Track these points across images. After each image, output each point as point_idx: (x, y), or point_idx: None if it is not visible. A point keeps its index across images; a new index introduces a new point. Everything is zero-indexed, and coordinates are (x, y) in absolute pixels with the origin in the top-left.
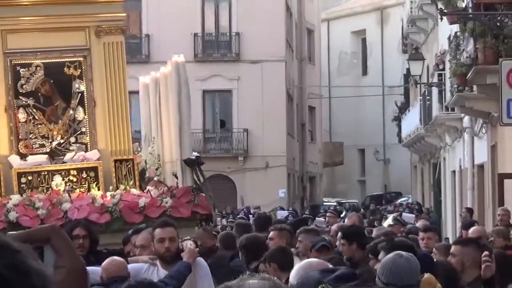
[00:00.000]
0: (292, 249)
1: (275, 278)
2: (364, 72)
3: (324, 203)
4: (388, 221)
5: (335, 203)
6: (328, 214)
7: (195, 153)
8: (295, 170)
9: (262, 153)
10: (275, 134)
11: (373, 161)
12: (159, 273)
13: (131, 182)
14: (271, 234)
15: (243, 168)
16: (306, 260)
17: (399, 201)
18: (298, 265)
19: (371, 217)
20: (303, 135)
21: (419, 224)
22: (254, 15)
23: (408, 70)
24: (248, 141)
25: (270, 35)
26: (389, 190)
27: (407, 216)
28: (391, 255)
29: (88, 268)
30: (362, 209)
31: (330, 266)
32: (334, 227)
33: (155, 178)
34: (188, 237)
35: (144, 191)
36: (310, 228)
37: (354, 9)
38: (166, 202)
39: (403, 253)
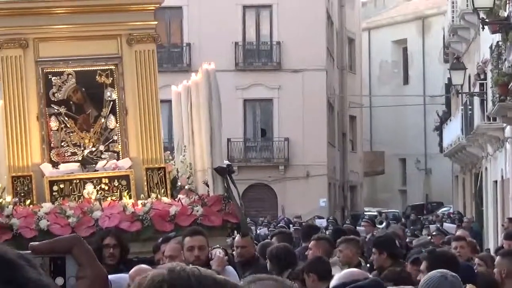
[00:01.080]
0: (335, 259)
1: (284, 280)
2: (405, 81)
3: (365, 213)
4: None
5: (375, 213)
6: (363, 223)
7: (226, 162)
8: (335, 179)
9: (303, 162)
10: (316, 143)
11: (414, 171)
12: None
13: (163, 191)
14: (310, 244)
15: (284, 177)
16: (347, 270)
17: (440, 211)
18: (339, 275)
19: (411, 227)
20: (344, 144)
21: (457, 233)
22: (295, 24)
23: (449, 79)
24: (289, 150)
25: (311, 44)
26: (430, 200)
27: (448, 226)
28: (437, 274)
29: (117, 275)
30: (403, 219)
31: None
32: (369, 236)
33: (187, 187)
34: (218, 246)
35: (175, 199)
36: (351, 238)
37: (395, 18)
38: (197, 211)
39: (449, 274)
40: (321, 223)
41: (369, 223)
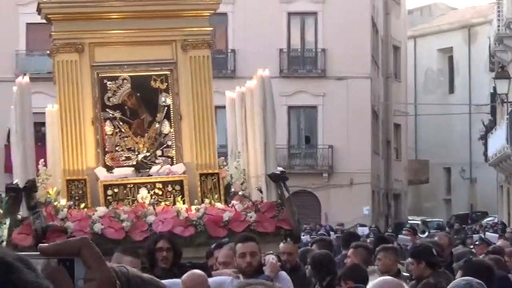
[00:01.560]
0: (374, 267)
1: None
2: (451, 90)
3: (409, 221)
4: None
5: (419, 221)
6: (404, 232)
7: (280, 168)
8: (379, 188)
9: (347, 170)
10: (360, 151)
11: (459, 180)
12: None
13: (216, 196)
14: (348, 251)
15: (328, 185)
16: (380, 278)
17: (485, 220)
18: (373, 282)
19: (455, 236)
20: (388, 152)
21: (498, 243)
22: (340, 31)
23: (494, 88)
24: (333, 158)
25: (356, 52)
26: (475, 210)
27: (491, 236)
28: (462, 282)
29: (170, 281)
30: (447, 228)
31: (406, 286)
32: (410, 244)
33: (240, 193)
34: (271, 252)
35: (229, 205)
36: (389, 246)
37: (441, 27)
38: (251, 217)
39: (474, 282)
40: (363, 231)
41: (411, 232)
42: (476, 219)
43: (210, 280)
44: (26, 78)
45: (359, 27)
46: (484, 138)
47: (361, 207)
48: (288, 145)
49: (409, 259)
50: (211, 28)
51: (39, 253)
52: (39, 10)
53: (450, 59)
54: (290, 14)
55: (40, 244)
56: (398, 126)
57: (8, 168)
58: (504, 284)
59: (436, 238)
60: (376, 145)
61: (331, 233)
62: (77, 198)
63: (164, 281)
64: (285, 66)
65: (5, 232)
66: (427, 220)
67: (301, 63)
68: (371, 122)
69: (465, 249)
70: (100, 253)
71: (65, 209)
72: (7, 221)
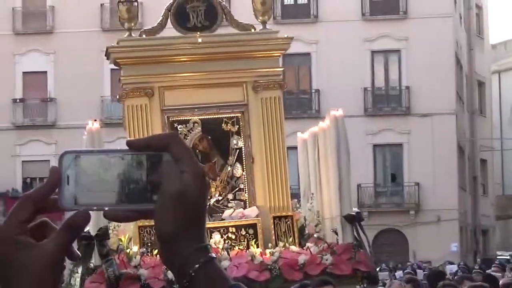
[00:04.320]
0: None
1: None
2: None
3: (498, 257)
4: None
5: (508, 257)
6: (493, 268)
7: (355, 209)
8: (467, 223)
9: (434, 207)
10: (447, 187)
11: None
12: None
13: (290, 239)
14: None
15: (415, 222)
16: None
17: None
18: None
19: None
20: (475, 188)
21: None
22: (424, 68)
23: None
24: (419, 195)
25: (440, 88)
26: None
27: None
28: None
29: None
30: None
31: None
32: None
33: (315, 235)
34: None
35: (304, 248)
36: (478, 285)
37: None
38: (326, 259)
39: None
40: (452, 268)
41: (499, 268)
42: None
43: None
44: (96, 124)
45: (443, 63)
46: None
47: (449, 243)
48: (374, 183)
49: None
50: (282, 69)
51: (128, 148)
52: (108, 55)
53: None
54: (373, 52)
55: (128, 139)
56: (485, 161)
57: None
58: None
59: None
60: (462, 181)
61: (419, 271)
62: (149, 244)
63: None
64: (369, 104)
65: (78, 281)
66: None
67: (386, 101)
68: (457, 158)
69: None
70: (189, 148)
71: (138, 256)
72: (79, 270)
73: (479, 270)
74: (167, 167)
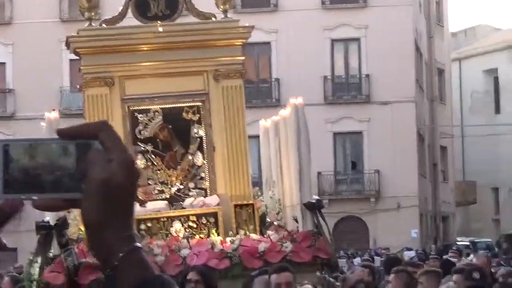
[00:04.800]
0: None
1: None
2: (497, 110)
3: (458, 242)
4: None
5: (468, 243)
6: (450, 253)
7: (316, 197)
8: (427, 210)
9: (394, 194)
10: (407, 175)
11: (508, 200)
12: None
13: (251, 227)
14: (390, 277)
15: (375, 209)
16: None
17: None
18: None
19: (504, 256)
20: (435, 174)
21: None
22: (383, 56)
23: None
24: (379, 182)
25: (400, 76)
26: None
27: None
28: None
29: None
30: (496, 248)
31: None
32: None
33: (276, 223)
34: (306, 282)
35: (264, 236)
36: (432, 270)
37: (485, 48)
38: (287, 247)
39: None
40: (410, 255)
41: (456, 254)
42: None
43: None
44: (55, 114)
45: (403, 51)
46: None
47: (409, 230)
48: (334, 171)
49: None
50: (243, 57)
51: (58, 137)
52: (68, 45)
53: (496, 79)
54: (333, 40)
55: (59, 127)
56: (445, 148)
57: None
58: None
59: (475, 260)
60: (422, 168)
61: (377, 257)
62: None
63: None
64: (329, 93)
65: (37, 270)
66: (475, 241)
67: (346, 89)
68: (417, 146)
69: (508, 269)
70: (119, 136)
71: None
72: (38, 260)
73: (436, 256)
74: (94, 155)
